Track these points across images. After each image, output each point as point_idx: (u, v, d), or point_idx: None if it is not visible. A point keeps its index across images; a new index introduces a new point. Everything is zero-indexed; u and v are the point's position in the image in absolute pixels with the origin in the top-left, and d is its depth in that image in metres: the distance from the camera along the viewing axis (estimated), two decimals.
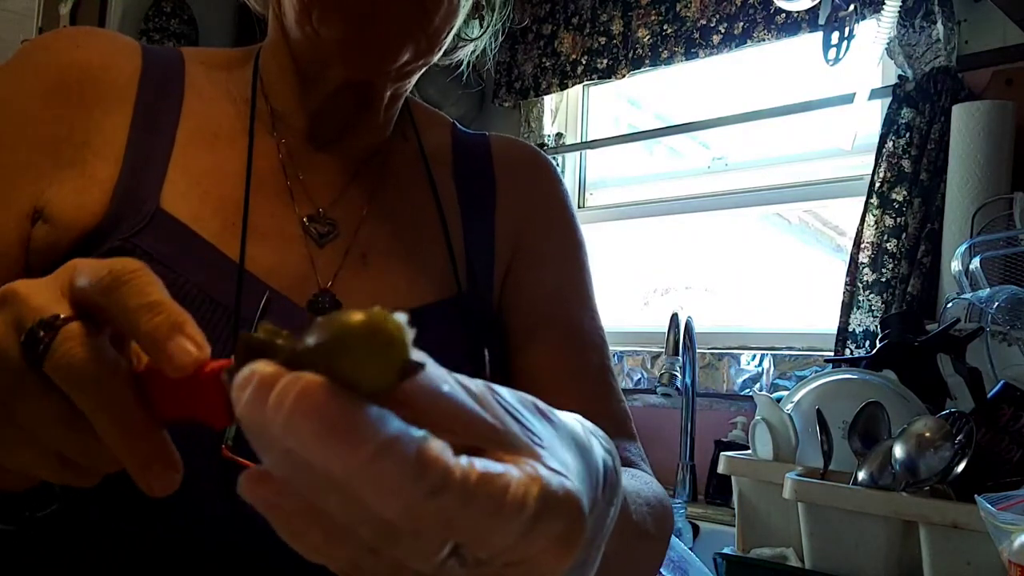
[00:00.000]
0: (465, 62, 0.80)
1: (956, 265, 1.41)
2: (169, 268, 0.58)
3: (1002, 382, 1.05)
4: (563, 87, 2.32)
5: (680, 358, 1.79)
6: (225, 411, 0.33)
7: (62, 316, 0.35)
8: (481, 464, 0.26)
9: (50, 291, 0.36)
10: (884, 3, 1.63)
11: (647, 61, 2.15)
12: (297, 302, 0.62)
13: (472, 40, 0.78)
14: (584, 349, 0.72)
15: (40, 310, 0.35)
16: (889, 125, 1.69)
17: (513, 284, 0.72)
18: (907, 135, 1.67)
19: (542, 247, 0.75)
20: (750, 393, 1.82)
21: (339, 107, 0.67)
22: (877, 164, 1.69)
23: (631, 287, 2.38)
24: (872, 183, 1.69)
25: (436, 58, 0.67)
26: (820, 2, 1.73)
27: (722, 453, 1.23)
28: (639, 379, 2.11)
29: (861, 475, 1.00)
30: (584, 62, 2.26)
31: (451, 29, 0.65)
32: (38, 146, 0.61)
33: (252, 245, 0.62)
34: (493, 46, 0.81)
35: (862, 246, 1.69)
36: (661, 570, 1.36)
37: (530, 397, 0.32)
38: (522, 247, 0.74)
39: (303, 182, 0.67)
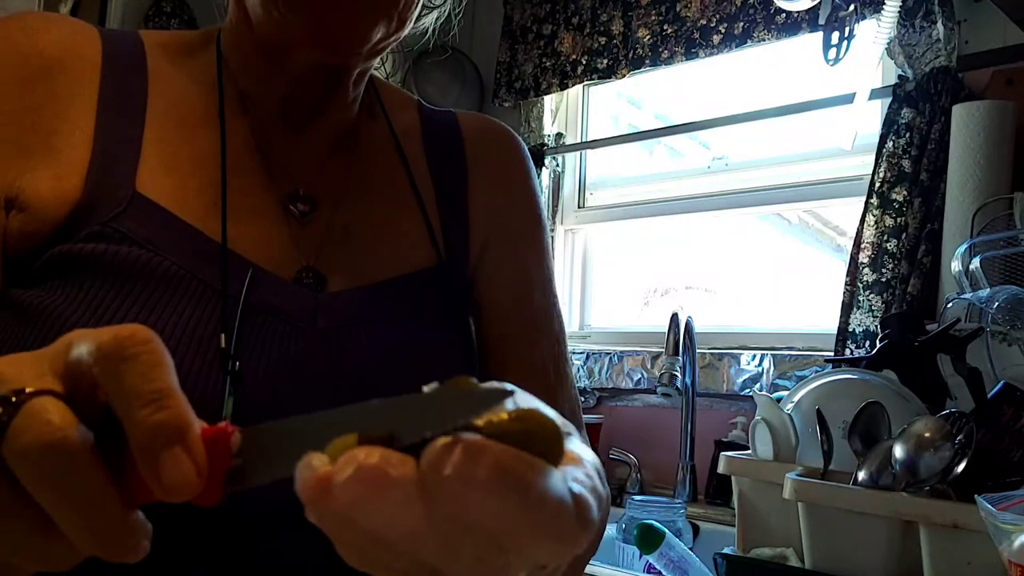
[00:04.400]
0: (430, 29, 0.79)
1: (956, 265, 1.41)
2: (151, 250, 0.58)
3: (1002, 382, 1.05)
4: (563, 87, 2.32)
5: (680, 358, 1.79)
6: (221, 488, 0.31)
7: (28, 390, 0.30)
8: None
9: (34, 365, 0.32)
10: (884, 3, 1.63)
11: (647, 61, 2.15)
12: (283, 278, 0.63)
13: (437, 7, 0.78)
14: (546, 335, 0.74)
15: (11, 384, 0.31)
16: (889, 125, 1.69)
17: (488, 262, 0.74)
18: (907, 135, 1.67)
19: (514, 227, 0.76)
20: (750, 393, 1.82)
21: (309, 89, 0.67)
22: (877, 164, 1.69)
23: (631, 287, 2.38)
24: (872, 183, 1.69)
25: (406, 32, 0.66)
26: (820, 2, 1.73)
27: (722, 453, 1.23)
28: (639, 379, 2.11)
29: (861, 475, 1.00)
30: (584, 62, 2.26)
31: (420, 1, 0.65)
32: (5, 138, 0.60)
33: (234, 225, 0.62)
34: (457, 10, 0.81)
35: (862, 246, 1.69)
36: (661, 570, 1.36)
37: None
38: (497, 225, 0.75)
39: (279, 161, 0.67)
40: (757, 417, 1.19)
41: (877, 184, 1.68)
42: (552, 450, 0.30)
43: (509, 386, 0.31)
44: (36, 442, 0.29)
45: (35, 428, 0.29)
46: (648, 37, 2.14)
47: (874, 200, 1.68)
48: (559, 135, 2.42)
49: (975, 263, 1.37)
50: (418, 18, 0.75)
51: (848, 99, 1.76)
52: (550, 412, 0.31)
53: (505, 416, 0.30)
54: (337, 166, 0.70)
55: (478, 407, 0.30)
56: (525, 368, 0.72)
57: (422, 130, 0.76)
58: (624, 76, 2.20)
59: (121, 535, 0.30)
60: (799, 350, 1.89)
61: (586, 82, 2.30)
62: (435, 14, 0.78)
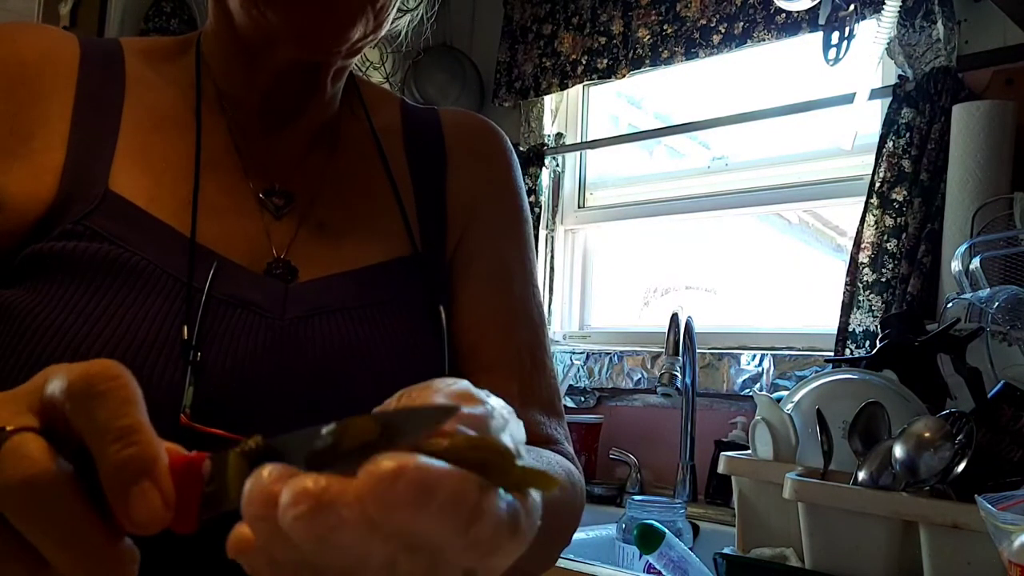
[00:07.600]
0: (403, 32, 0.80)
1: (956, 265, 1.41)
2: (121, 246, 0.59)
3: (1002, 382, 1.05)
4: (563, 87, 2.32)
5: (680, 358, 1.79)
6: (195, 515, 0.32)
7: (8, 429, 0.31)
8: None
9: (11, 404, 0.33)
10: (884, 3, 1.63)
11: (647, 61, 2.15)
12: (254, 271, 0.64)
13: (410, 11, 0.79)
14: (525, 324, 0.74)
15: None
16: (889, 125, 1.69)
17: (464, 253, 0.74)
18: (907, 135, 1.67)
19: (493, 218, 0.77)
20: (750, 393, 1.82)
21: (287, 86, 0.68)
22: (877, 164, 1.69)
23: (631, 287, 2.38)
24: (872, 183, 1.69)
25: (383, 33, 0.68)
26: (820, 2, 1.73)
27: (722, 453, 1.23)
28: (639, 379, 2.11)
29: (861, 475, 1.00)
30: (584, 62, 2.26)
31: (396, 3, 0.66)
32: None
33: (207, 220, 0.63)
34: (429, 14, 0.82)
35: (862, 246, 1.69)
36: (661, 570, 1.36)
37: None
38: (475, 217, 0.75)
39: (256, 158, 0.68)
40: (757, 417, 1.19)
41: (877, 184, 1.68)
42: (505, 478, 0.30)
43: (451, 404, 0.32)
44: (16, 478, 0.30)
45: (15, 464, 0.30)
46: (648, 37, 2.14)
47: (874, 200, 1.68)
48: (559, 135, 2.42)
49: (975, 263, 1.37)
50: (392, 21, 0.76)
51: (848, 99, 1.76)
52: (506, 437, 0.32)
53: (461, 441, 0.30)
54: (314, 162, 0.71)
55: (425, 423, 0.30)
56: (500, 356, 0.72)
57: (403, 126, 0.77)
58: (624, 76, 2.20)
59: (107, 563, 0.31)
60: (799, 350, 1.89)
61: (586, 82, 2.29)
62: (407, 17, 0.79)
